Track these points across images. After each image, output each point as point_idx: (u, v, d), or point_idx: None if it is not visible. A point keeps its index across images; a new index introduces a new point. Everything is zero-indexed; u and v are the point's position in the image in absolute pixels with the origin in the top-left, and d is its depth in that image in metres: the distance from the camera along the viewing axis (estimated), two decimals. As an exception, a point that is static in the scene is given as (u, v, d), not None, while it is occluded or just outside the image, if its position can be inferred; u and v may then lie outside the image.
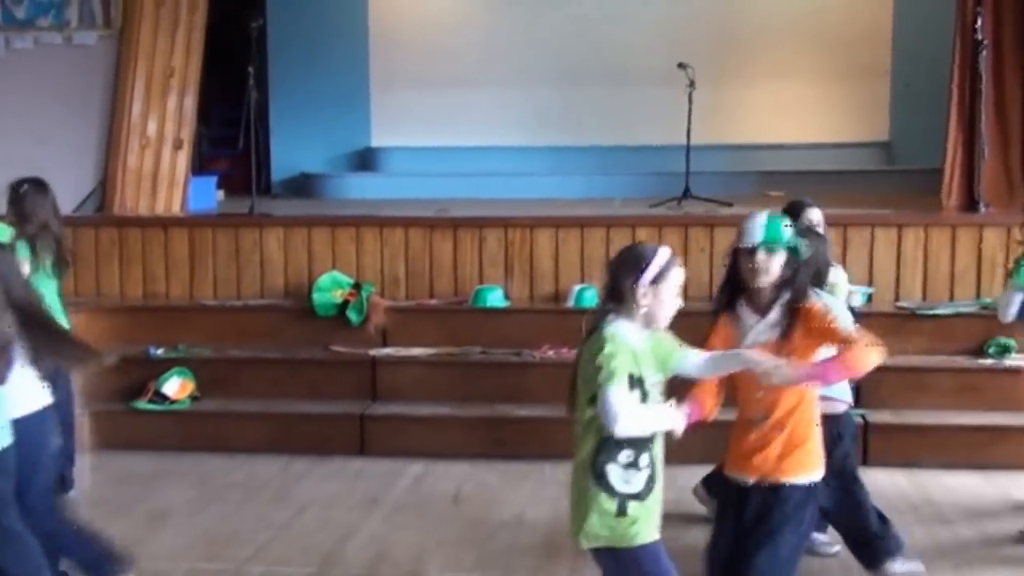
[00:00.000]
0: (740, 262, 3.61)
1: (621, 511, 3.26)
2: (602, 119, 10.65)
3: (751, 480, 3.60)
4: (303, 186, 10.96)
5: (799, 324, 3.52)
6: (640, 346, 3.29)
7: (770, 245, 3.55)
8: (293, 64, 10.99)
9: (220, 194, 9.78)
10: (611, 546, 3.30)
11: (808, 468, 3.60)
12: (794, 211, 5.18)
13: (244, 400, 6.82)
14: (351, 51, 11.11)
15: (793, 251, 3.58)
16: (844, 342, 3.44)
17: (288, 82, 11.02)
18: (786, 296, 3.56)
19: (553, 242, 7.48)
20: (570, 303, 7.25)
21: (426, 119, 10.90)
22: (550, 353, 6.88)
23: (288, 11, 10.97)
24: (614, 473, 3.25)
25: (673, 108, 9.06)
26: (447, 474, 6.14)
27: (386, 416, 6.63)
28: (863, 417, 6.38)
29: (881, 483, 5.92)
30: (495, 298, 7.31)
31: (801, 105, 10.78)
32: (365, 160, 11.29)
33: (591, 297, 7.27)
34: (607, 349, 3.19)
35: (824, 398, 3.88)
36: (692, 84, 8.88)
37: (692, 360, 3.43)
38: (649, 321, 3.30)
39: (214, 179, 9.78)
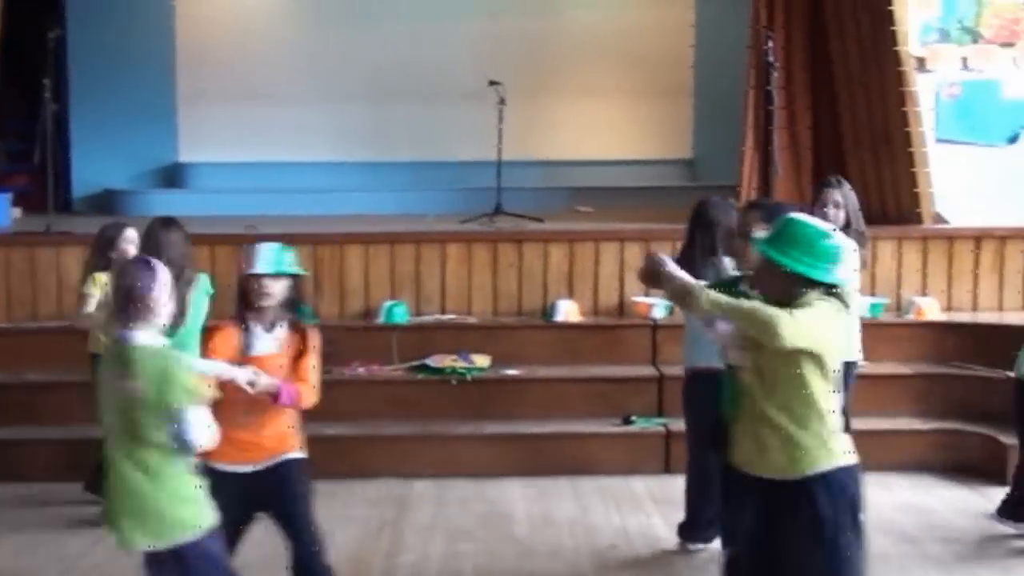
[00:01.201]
0: (248, 284, 4.02)
1: None
2: (414, 135, 10.67)
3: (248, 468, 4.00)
4: (106, 203, 10.58)
5: (295, 342, 4.04)
6: None
7: (274, 272, 4.02)
8: (95, 76, 10.61)
9: (16, 211, 9.37)
10: None
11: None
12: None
13: (40, 426, 6.55)
14: (157, 64, 10.80)
15: (295, 277, 4.12)
16: (299, 375, 3.99)
17: (89, 95, 10.63)
18: (288, 316, 4.07)
19: (363, 258, 7.45)
20: (379, 319, 7.24)
21: (235, 134, 10.70)
22: (360, 370, 6.85)
23: (89, 21, 10.58)
24: None
25: (484, 125, 9.13)
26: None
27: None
28: (665, 426, 6.58)
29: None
30: (303, 315, 7.20)
31: (609, 123, 11.03)
32: (172, 176, 11.00)
33: (401, 313, 7.29)
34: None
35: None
36: (503, 101, 8.99)
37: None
38: None
39: (7, 196, 9.36)
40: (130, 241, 5.62)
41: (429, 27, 10.87)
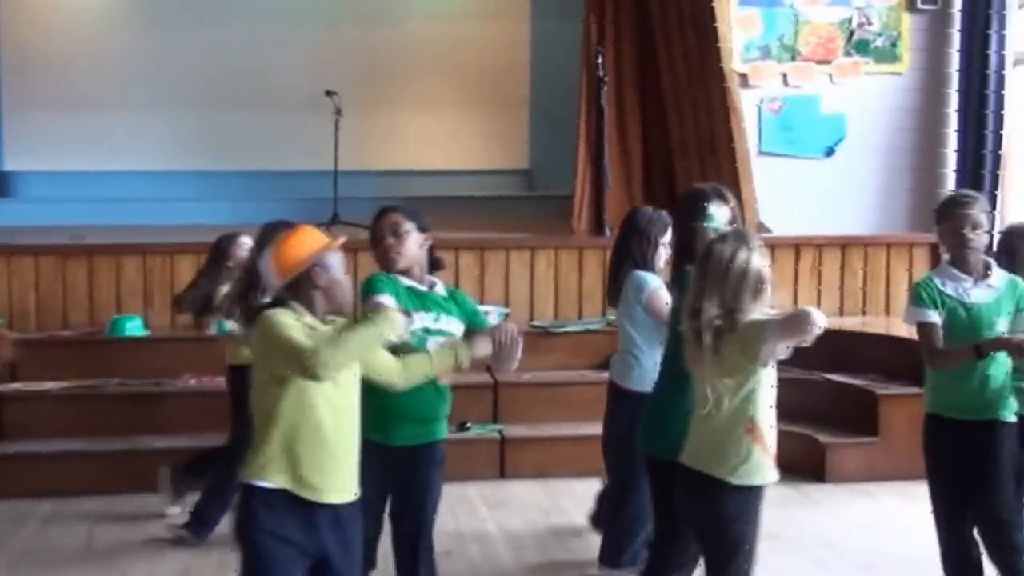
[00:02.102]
0: None
1: None
2: (249, 144, 10.51)
3: None
4: (-73, 212, 10.16)
5: None
6: None
7: None
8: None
9: None
10: None
11: None
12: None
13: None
14: (-23, 68, 10.44)
15: None
16: None
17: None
18: None
19: (195, 269, 7.32)
20: (211, 331, 7.14)
21: (63, 142, 10.37)
22: (191, 382, 6.76)
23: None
24: None
25: (321, 134, 9.11)
26: (78, 512, 5.88)
27: (13, 455, 6.28)
28: (500, 432, 6.67)
29: (518, 493, 6.24)
30: (134, 327, 7.08)
31: (446, 133, 11.11)
32: (-4, 184, 10.63)
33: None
34: None
35: None
36: (339, 111, 8.97)
37: None
38: None
39: None
40: (246, 248, 5.41)
41: (265, 34, 10.75)
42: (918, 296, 4.21)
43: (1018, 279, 4.27)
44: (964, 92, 8.83)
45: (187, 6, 10.75)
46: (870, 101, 8.89)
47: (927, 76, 8.96)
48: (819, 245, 8.09)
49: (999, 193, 8.72)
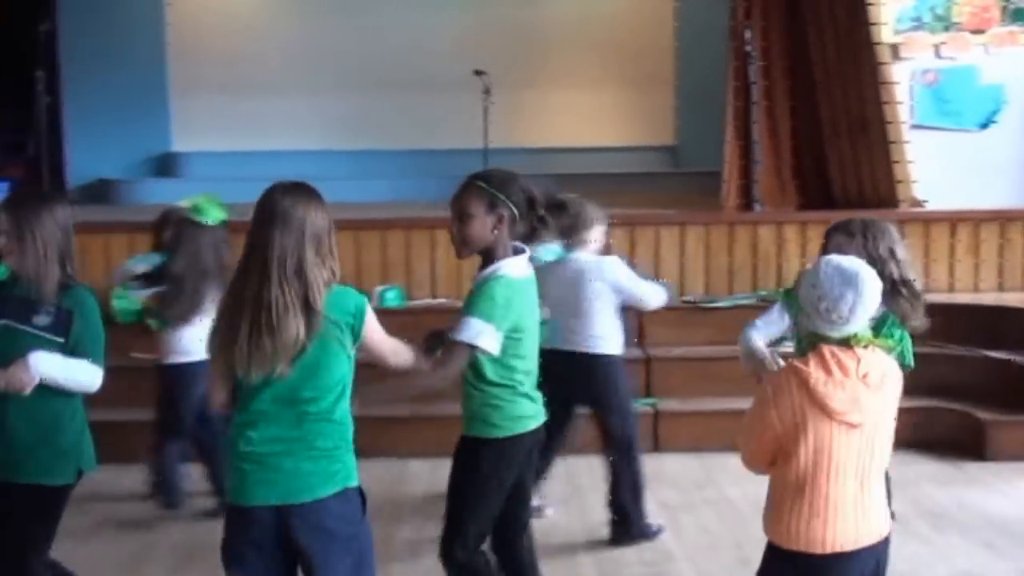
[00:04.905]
0: None
1: None
2: (402, 124, 10.84)
3: None
4: (102, 192, 10.74)
5: None
6: None
7: None
8: (87, 68, 10.74)
9: (11, 201, 9.49)
10: None
11: None
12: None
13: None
14: (149, 55, 10.96)
15: None
16: None
17: (83, 86, 10.76)
18: None
19: (354, 245, 7.60)
20: (372, 305, 7.38)
21: (228, 124, 10.86)
22: (354, 354, 6.99)
23: (80, 14, 10.71)
24: None
25: (471, 113, 9.32)
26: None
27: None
28: (654, 406, 6.76)
29: (673, 467, 6.32)
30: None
31: (593, 110, 11.21)
32: (166, 165, 11.15)
33: (394, 298, 7.44)
34: None
35: None
36: (488, 91, 9.15)
37: None
38: None
39: (5, 186, 9.48)
40: None
41: (417, 18, 11.03)
42: None
43: None
44: None
45: (344, -8, 11.11)
46: (1029, 71, 8.64)
47: (1089, 44, 8.65)
48: (976, 219, 7.92)
49: None
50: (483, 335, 3.54)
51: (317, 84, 10.96)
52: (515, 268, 3.65)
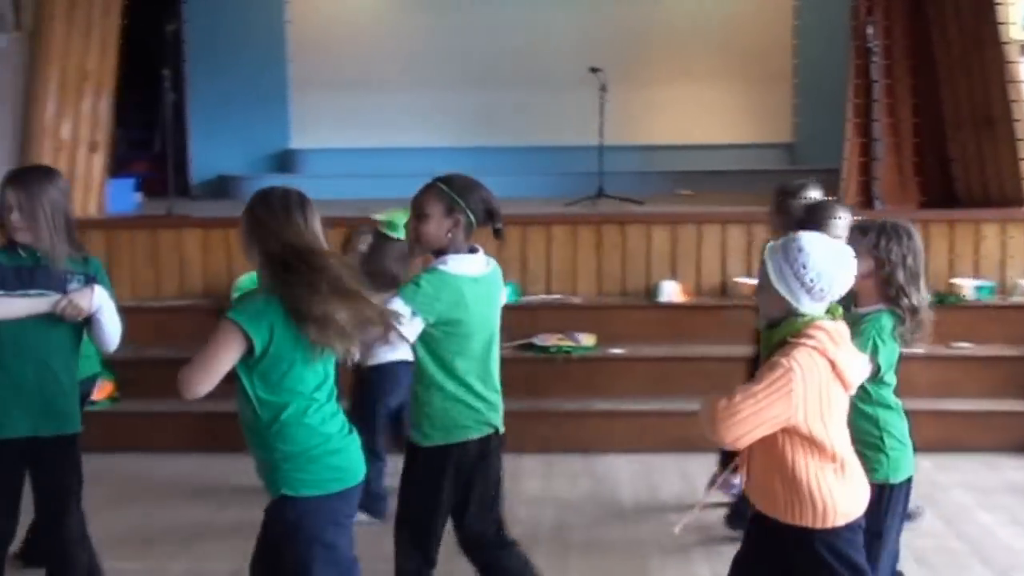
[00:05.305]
0: None
1: None
2: (519, 120, 10.87)
3: None
4: (222, 188, 11.00)
5: None
6: None
7: None
8: (211, 66, 11.03)
9: (139, 196, 9.79)
10: None
11: None
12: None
13: (164, 400, 6.85)
14: (269, 53, 11.19)
15: None
16: None
17: (206, 84, 11.06)
18: None
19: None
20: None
21: (346, 121, 11.01)
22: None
23: (205, 14, 11.01)
24: None
25: (586, 110, 9.31)
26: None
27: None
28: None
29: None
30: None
31: (710, 107, 11.10)
32: (284, 162, 11.37)
33: (510, 293, 7.45)
34: None
35: None
36: (604, 88, 9.13)
37: None
38: None
39: (132, 181, 9.79)
40: None
41: (533, 16, 11.07)
42: None
43: None
44: None
45: (461, -9, 11.19)
46: None
47: None
48: (1108, 219, 7.63)
49: None
50: (405, 321, 3.52)
51: (434, 81, 11.06)
52: (459, 265, 3.67)
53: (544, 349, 6.96)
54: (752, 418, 3.00)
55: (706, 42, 11.06)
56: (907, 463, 3.70)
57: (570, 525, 5.49)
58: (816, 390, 3.02)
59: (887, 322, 3.62)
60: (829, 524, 3.10)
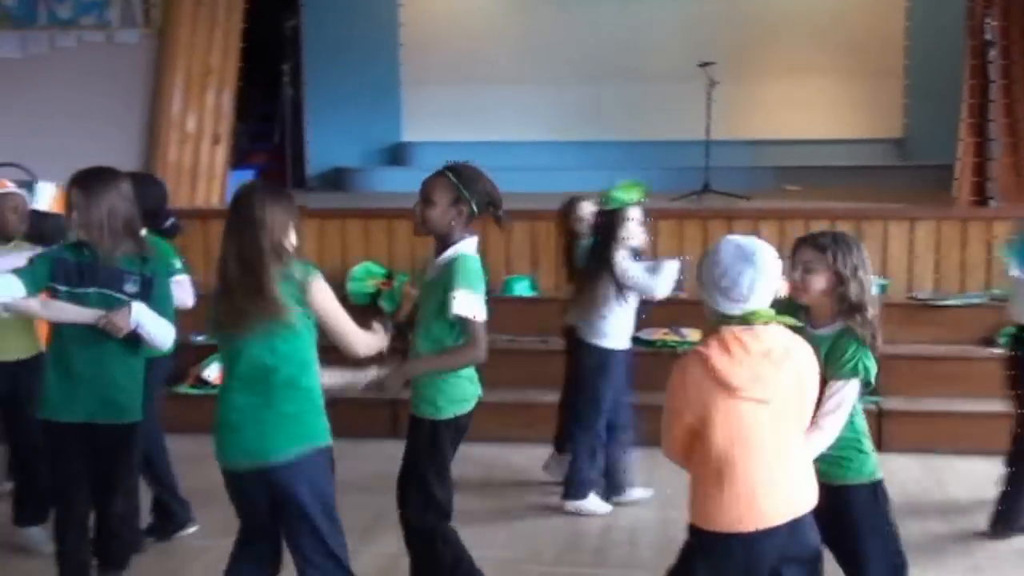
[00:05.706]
0: None
1: None
2: (625, 115, 10.91)
3: None
4: (337, 179, 11.26)
5: None
6: None
7: None
8: (328, 62, 11.30)
9: (260, 187, 10.06)
10: None
11: None
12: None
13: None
14: (383, 49, 11.42)
15: None
16: None
17: (323, 79, 11.33)
18: None
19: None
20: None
21: (456, 115, 11.18)
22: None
23: (323, 11, 11.28)
24: None
25: (693, 104, 9.32)
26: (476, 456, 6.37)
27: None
28: (878, 404, 6.63)
29: (894, 468, 6.19)
30: (522, 287, 7.58)
31: (818, 102, 11.01)
32: (397, 154, 11.59)
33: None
34: None
35: None
36: (712, 83, 9.13)
37: None
38: None
39: (252, 173, 10.08)
40: (587, 212, 6.12)
41: (641, 9, 11.11)
42: None
43: None
44: None
45: (568, -16, 11.27)
46: None
47: None
48: None
49: None
50: (478, 305, 3.89)
51: (542, 76, 11.17)
52: (470, 248, 4.01)
53: (650, 343, 7.00)
54: (663, 422, 3.19)
55: (815, 35, 10.97)
56: (876, 459, 3.73)
57: (674, 520, 5.51)
58: (696, 396, 3.08)
59: (859, 337, 3.59)
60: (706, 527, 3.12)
